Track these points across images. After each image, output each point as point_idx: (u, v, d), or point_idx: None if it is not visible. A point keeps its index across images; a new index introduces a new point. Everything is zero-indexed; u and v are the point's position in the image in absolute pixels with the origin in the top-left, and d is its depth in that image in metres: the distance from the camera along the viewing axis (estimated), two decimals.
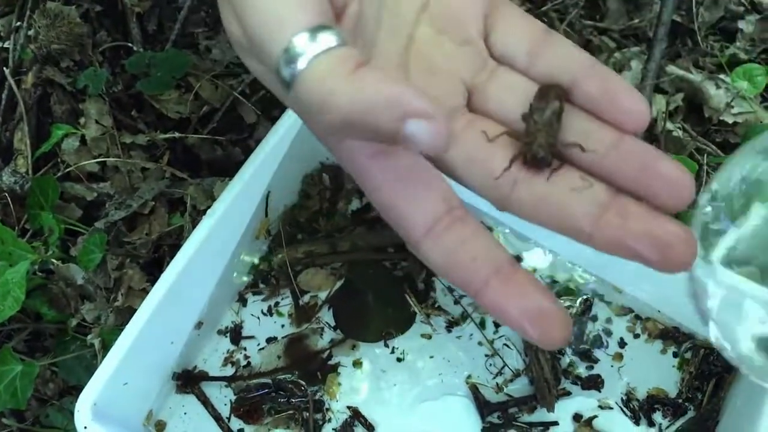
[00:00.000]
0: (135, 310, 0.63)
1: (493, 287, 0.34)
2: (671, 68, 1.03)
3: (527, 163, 0.37)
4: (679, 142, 0.87)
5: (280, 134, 0.71)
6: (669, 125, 0.88)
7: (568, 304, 0.70)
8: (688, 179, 0.34)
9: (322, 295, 0.73)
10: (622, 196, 0.35)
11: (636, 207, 0.34)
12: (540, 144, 0.36)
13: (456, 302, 0.72)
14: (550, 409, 0.65)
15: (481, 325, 0.71)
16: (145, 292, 0.68)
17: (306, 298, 0.73)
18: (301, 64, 0.32)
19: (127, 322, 0.62)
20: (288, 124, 0.71)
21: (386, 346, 0.70)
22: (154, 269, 0.74)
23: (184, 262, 0.65)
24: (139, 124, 0.79)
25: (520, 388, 0.68)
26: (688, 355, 0.67)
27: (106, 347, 0.69)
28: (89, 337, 0.69)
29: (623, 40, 1.05)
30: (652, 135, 0.87)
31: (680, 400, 0.66)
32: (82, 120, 0.77)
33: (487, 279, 0.34)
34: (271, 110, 0.82)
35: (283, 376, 0.69)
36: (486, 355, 0.69)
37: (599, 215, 0.34)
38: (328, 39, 0.32)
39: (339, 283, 0.73)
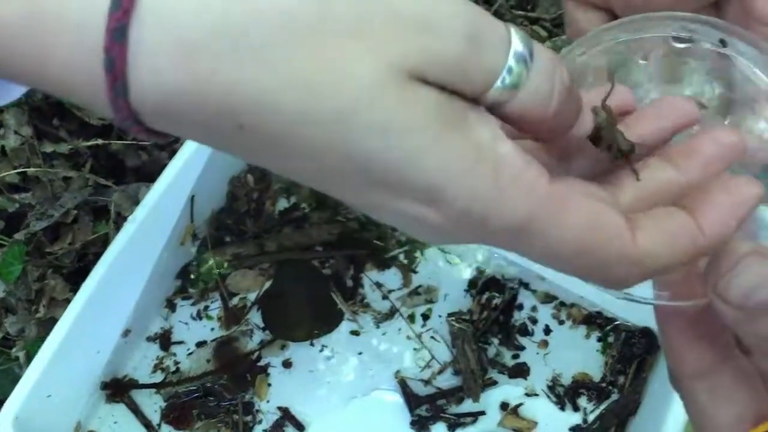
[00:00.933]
0: (58, 320, 0.62)
1: None
2: None
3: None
4: None
5: None
6: None
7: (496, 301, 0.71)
8: None
9: (251, 296, 0.73)
10: None
11: None
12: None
13: (384, 297, 0.72)
14: (476, 399, 0.66)
15: (410, 320, 0.71)
16: (69, 302, 0.68)
17: (235, 300, 0.73)
18: None
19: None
20: None
21: (312, 345, 0.70)
22: (80, 279, 0.73)
23: (105, 270, 0.65)
24: (61, 133, 0.78)
25: (447, 380, 0.68)
26: (611, 339, 0.68)
27: (30, 359, 0.68)
28: (14, 350, 0.69)
29: (555, 29, 1.07)
30: None
31: (604, 384, 0.67)
32: (0, 131, 0.76)
33: None
34: None
35: (213, 380, 0.69)
36: (414, 349, 0.70)
37: None
38: None
39: (268, 284, 0.73)
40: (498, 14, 1.04)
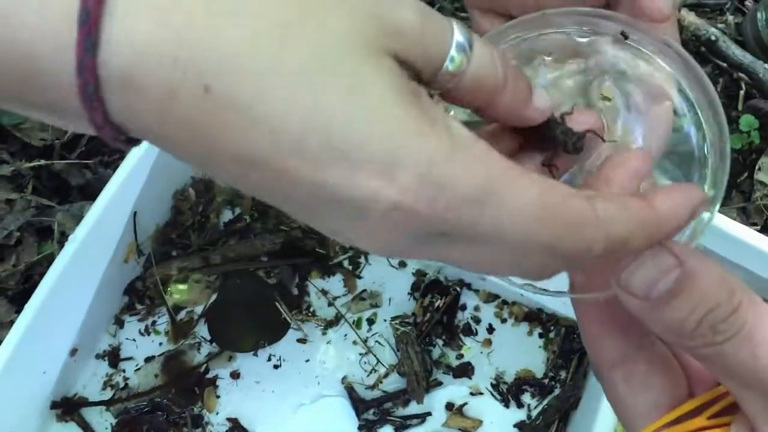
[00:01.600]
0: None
1: None
2: None
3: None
4: None
5: (141, 152, 0.71)
6: None
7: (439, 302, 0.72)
8: None
9: (198, 309, 0.73)
10: None
11: None
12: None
13: (330, 304, 0.73)
14: (420, 401, 0.67)
15: (356, 325, 0.72)
16: (13, 323, 0.68)
17: (182, 314, 0.73)
18: None
19: None
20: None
21: (255, 355, 0.71)
22: (25, 300, 0.73)
23: (48, 291, 0.65)
24: (2, 155, 0.78)
25: (394, 383, 0.69)
26: (552, 335, 0.70)
27: None
28: None
29: None
30: None
31: (546, 380, 0.68)
32: None
33: None
34: None
35: (162, 395, 0.69)
36: (360, 354, 0.71)
37: None
38: None
39: (214, 297, 0.74)
40: (440, 9, 1.05)
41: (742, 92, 0.89)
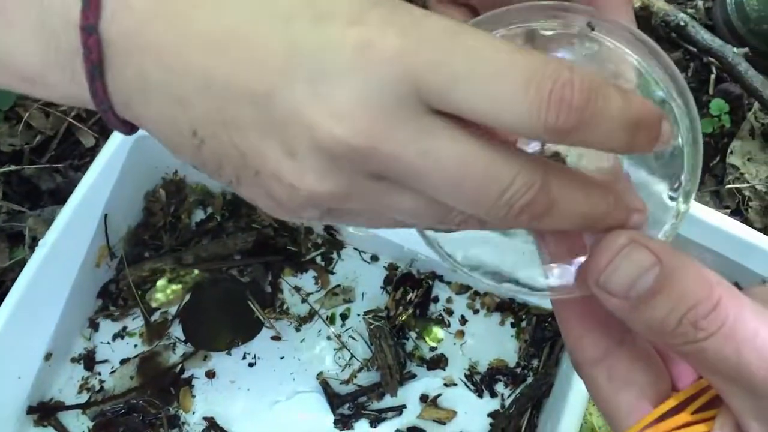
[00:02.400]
0: None
1: None
2: None
3: None
4: None
5: (110, 155, 0.71)
6: None
7: (411, 295, 0.72)
8: None
9: (172, 310, 0.74)
10: None
11: None
12: None
13: (303, 301, 0.73)
14: (393, 394, 0.67)
15: (330, 321, 0.72)
16: None
17: (156, 315, 0.74)
18: None
19: None
20: (118, 143, 0.71)
21: (229, 354, 0.71)
22: None
23: (19, 296, 0.65)
24: None
25: (368, 377, 0.69)
26: (524, 324, 0.70)
27: None
28: None
29: None
30: None
31: (519, 369, 0.68)
32: None
33: None
34: (111, 131, 0.82)
35: (138, 396, 0.69)
36: (335, 349, 0.71)
37: None
38: None
39: (187, 297, 0.74)
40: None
41: (713, 77, 0.89)
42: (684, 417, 0.29)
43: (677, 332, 0.26)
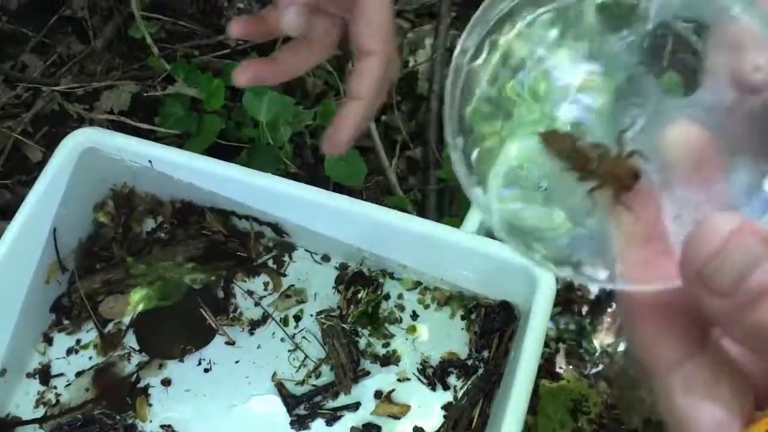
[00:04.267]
0: None
1: None
2: None
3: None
4: None
5: (56, 169, 0.72)
6: None
7: (362, 294, 0.73)
8: None
9: (126, 320, 0.74)
10: None
11: None
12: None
13: (257, 304, 0.74)
14: (347, 392, 0.68)
15: (283, 323, 0.73)
16: None
17: (110, 326, 0.74)
18: None
19: None
20: (64, 156, 0.72)
21: (182, 361, 0.71)
22: None
23: None
24: None
25: (323, 376, 0.70)
26: (473, 316, 0.71)
27: None
28: None
29: (417, 19, 1.09)
30: None
31: (470, 360, 0.70)
32: None
33: None
34: (57, 144, 0.81)
35: (94, 408, 0.70)
36: (289, 351, 0.72)
37: None
38: None
39: (140, 306, 0.74)
40: None
41: None
42: None
43: None
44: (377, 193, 0.90)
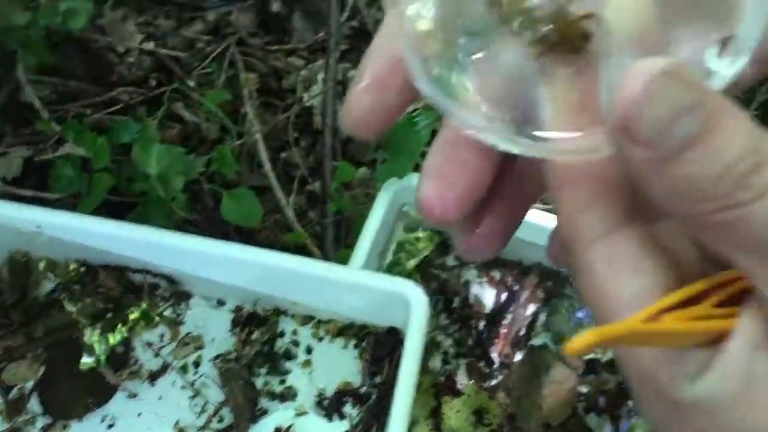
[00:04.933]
0: None
1: None
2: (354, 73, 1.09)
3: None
4: None
5: None
6: None
7: (257, 334, 0.75)
8: None
9: (29, 384, 0.75)
10: None
11: None
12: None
13: (156, 355, 0.75)
14: None
15: (183, 370, 0.75)
16: None
17: (14, 391, 0.75)
18: None
19: None
20: None
21: (83, 420, 0.73)
22: None
23: None
24: None
25: (223, 419, 0.72)
26: (365, 344, 0.74)
27: None
28: None
29: (311, 56, 1.12)
30: None
31: (363, 388, 0.72)
32: None
33: None
34: None
35: None
36: (189, 398, 0.73)
37: None
38: None
39: (42, 369, 0.75)
40: (247, 56, 1.08)
41: None
42: (704, 309, 0.24)
43: (716, 193, 0.21)
44: (276, 231, 0.92)
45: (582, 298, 0.26)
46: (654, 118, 0.20)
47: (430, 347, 0.81)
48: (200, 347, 0.76)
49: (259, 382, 0.73)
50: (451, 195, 0.27)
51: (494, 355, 0.82)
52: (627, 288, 0.24)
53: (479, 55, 0.29)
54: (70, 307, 0.77)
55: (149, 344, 0.76)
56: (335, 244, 0.89)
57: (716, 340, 0.23)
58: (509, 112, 0.28)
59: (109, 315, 0.77)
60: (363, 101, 0.29)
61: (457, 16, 0.30)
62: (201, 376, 0.74)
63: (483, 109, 0.28)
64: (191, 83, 1.00)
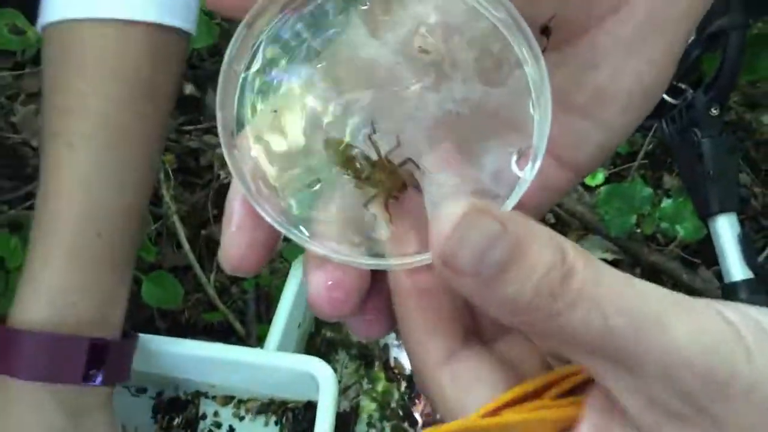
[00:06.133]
0: None
1: None
2: None
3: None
4: None
5: None
6: None
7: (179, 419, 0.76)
8: None
9: None
10: None
11: None
12: None
13: None
14: None
15: None
16: None
17: None
18: None
19: None
20: None
21: None
22: None
23: None
24: None
25: None
26: (284, 420, 0.76)
27: None
28: None
29: None
30: None
31: None
32: None
33: None
34: None
35: None
36: None
37: None
38: None
39: None
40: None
41: None
42: (543, 402, 0.26)
43: (535, 305, 0.23)
44: (200, 309, 0.94)
45: (440, 413, 0.28)
46: (467, 253, 0.23)
47: (355, 413, 0.83)
48: None
49: None
50: (339, 294, 0.30)
51: (416, 415, 0.84)
52: (470, 397, 0.27)
53: (317, 187, 0.32)
54: None
55: None
56: (257, 318, 0.91)
57: (569, 428, 0.25)
58: (355, 236, 0.31)
59: None
60: (238, 242, 0.31)
61: (299, 153, 0.32)
62: None
63: (333, 233, 0.31)
64: None
